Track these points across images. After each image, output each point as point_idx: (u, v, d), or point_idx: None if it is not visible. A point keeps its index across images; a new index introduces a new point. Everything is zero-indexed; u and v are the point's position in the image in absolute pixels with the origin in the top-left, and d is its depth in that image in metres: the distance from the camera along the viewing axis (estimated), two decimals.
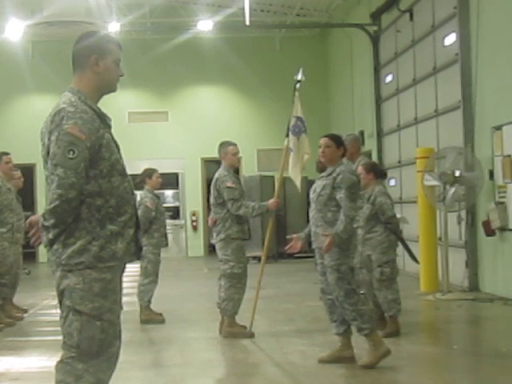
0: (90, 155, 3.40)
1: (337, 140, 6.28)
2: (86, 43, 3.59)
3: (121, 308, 3.61)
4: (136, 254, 3.61)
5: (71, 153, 3.34)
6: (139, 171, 9.08)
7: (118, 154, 3.57)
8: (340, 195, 6.00)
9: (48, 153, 3.43)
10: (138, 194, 8.62)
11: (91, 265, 3.42)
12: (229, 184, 7.50)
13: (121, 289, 3.62)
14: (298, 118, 7.56)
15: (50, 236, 3.44)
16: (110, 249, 3.46)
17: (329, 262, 6.06)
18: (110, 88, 3.65)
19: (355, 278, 6.26)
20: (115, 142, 3.60)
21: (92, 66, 3.55)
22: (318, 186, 6.23)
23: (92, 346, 3.43)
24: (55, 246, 3.45)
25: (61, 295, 3.49)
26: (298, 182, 7.59)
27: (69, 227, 3.42)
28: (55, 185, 3.34)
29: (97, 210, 3.44)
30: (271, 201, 7.56)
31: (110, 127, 3.62)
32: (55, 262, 3.47)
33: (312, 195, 6.27)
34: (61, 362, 3.48)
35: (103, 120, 3.57)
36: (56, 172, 3.35)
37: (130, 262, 3.60)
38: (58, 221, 3.38)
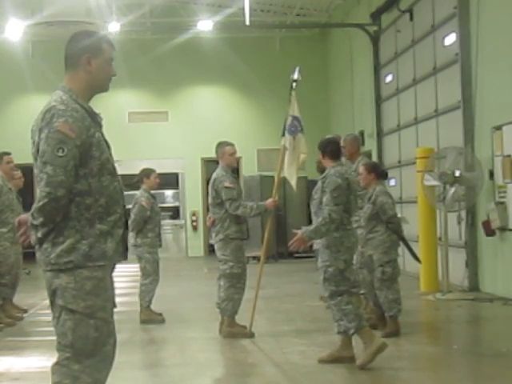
0: (80, 154, 3.39)
1: (319, 145, 6.36)
2: (79, 42, 3.58)
3: (114, 306, 3.60)
4: (123, 254, 3.60)
5: (60, 151, 3.33)
6: (139, 171, 9.08)
7: (108, 154, 3.55)
8: (324, 199, 6.06)
9: (38, 150, 3.41)
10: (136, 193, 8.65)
11: (80, 264, 3.40)
12: (227, 184, 7.49)
13: (112, 287, 3.61)
14: (295, 118, 7.55)
15: (39, 235, 3.42)
16: (100, 248, 3.44)
17: (319, 263, 6.16)
18: (102, 87, 3.64)
19: (353, 278, 6.28)
20: (106, 142, 3.59)
21: (84, 65, 3.54)
22: (314, 189, 6.31)
23: (86, 344, 3.42)
24: (44, 245, 3.43)
25: (53, 295, 3.48)
26: (293, 182, 7.59)
27: (58, 226, 3.40)
28: (44, 183, 3.33)
29: (86, 209, 3.43)
30: (269, 201, 7.56)
31: (101, 126, 3.61)
32: (44, 261, 3.45)
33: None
34: (57, 363, 3.46)
35: (94, 119, 3.55)
36: (45, 170, 3.34)
37: (118, 262, 3.59)
38: (46, 219, 3.36)
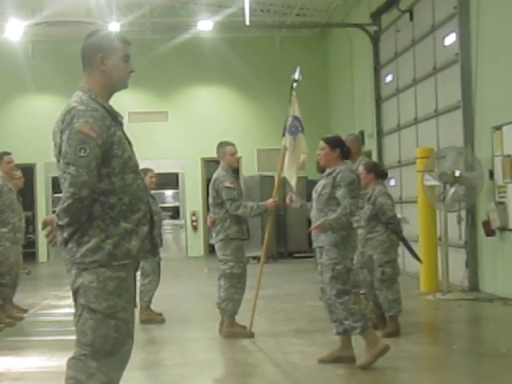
0: (102, 153, 3.41)
1: (331, 141, 6.30)
2: (91, 42, 3.59)
3: (135, 306, 3.62)
4: (151, 251, 3.61)
5: (82, 151, 3.35)
6: None
7: (130, 152, 3.58)
8: (339, 193, 6.03)
9: (60, 152, 3.43)
10: None
11: (105, 263, 3.42)
12: (227, 184, 7.50)
13: (134, 287, 3.62)
14: (295, 118, 7.55)
15: (65, 235, 3.45)
16: (124, 246, 3.46)
17: (325, 261, 6.09)
18: (121, 85, 3.65)
19: (353, 278, 6.29)
20: (127, 140, 3.61)
21: (98, 65, 3.56)
22: (319, 185, 6.27)
23: (106, 344, 3.44)
24: (69, 245, 3.46)
25: (75, 293, 3.49)
26: (292, 182, 7.58)
27: (82, 226, 3.42)
28: (68, 183, 3.34)
29: (110, 208, 3.44)
30: (269, 201, 7.56)
31: (121, 125, 3.62)
32: (70, 261, 3.48)
33: (314, 195, 6.31)
34: (73, 358, 3.48)
35: (115, 118, 3.57)
36: (68, 171, 3.35)
37: (145, 259, 3.62)
38: (71, 219, 3.38)
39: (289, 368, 6.26)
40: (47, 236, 3.53)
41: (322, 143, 6.29)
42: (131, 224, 3.48)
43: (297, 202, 6.74)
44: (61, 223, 3.41)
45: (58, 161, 3.45)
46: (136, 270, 3.62)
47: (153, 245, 3.61)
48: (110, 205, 3.44)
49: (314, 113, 18.05)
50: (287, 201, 6.77)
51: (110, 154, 3.44)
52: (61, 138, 3.43)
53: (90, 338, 3.43)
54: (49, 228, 3.50)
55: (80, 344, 3.47)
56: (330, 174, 6.18)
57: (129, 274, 3.51)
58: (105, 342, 3.43)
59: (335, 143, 6.30)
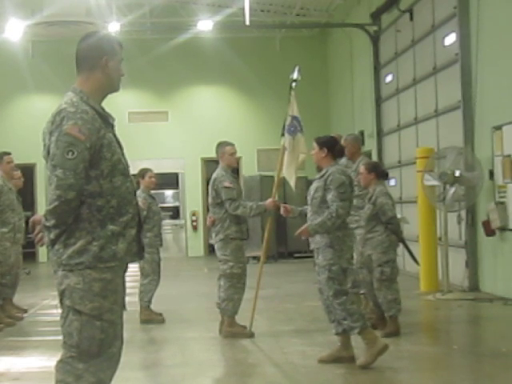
0: (90, 156, 3.41)
1: (318, 141, 6.33)
2: (96, 44, 3.59)
3: (124, 309, 3.61)
4: (138, 254, 3.61)
5: (70, 153, 3.35)
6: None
7: (120, 154, 3.57)
8: (329, 196, 6.05)
9: (49, 153, 3.43)
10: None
11: (91, 265, 3.42)
12: (226, 184, 7.50)
13: (124, 289, 3.62)
14: (294, 118, 7.55)
15: (52, 236, 3.46)
16: (111, 249, 3.46)
17: (321, 262, 6.10)
18: (115, 88, 3.67)
19: (352, 278, 6.30)
20: (118, 142, 3.60)
21: (103, 67, 3.56)
22: (312, 188, 6.28)
23: (92, 345, 3.43)
24: (56, 246, 3.46)
25: (61, 295, 3.49)
26: (292, 182, 7.59)
27: (69, 227, 3.43)
28: (54, 185, 3.36)
29: (97, 210, 3.44)
30: (269, 200, 7.56)
31: (113, 127, 3.62)
32: (56, 262, 3.48)
33: (308, 197, 6.32)
34: (61, 361, 3.49)
35: (106, 120, 3.56)
36: (55, 173, 3.36)
37: (132, 262, 3.61)
38: (58, 221, 3.40)
39: (289, 368, 6.26)
40: (35, 236, 3.54)
41: (313, 143, 6.34)
42: (119, 226, 3.48)
43: (294, 211, 6.75)
44: (47, 224, 3.43)
45: (47, 162, 3.46)
46: (125, 272, 3.61)
47: (140, 248, 3.61)
48: (97, 207, 3.44)
49: (314, 113, 18.05)
50: (282, 213, 6.80)
51: (98, 156, 3.44)
52: (50, 139, 3.43)
53: (75, 339, 3.44)
54: (38, 228, 3.51)
55: (66, 346, 3.47)
56: (322, 176, 6.20)
57: (115, 276, 3.50)
58: (91, 344, 3.43)
59: (323, 143, 6.30)
